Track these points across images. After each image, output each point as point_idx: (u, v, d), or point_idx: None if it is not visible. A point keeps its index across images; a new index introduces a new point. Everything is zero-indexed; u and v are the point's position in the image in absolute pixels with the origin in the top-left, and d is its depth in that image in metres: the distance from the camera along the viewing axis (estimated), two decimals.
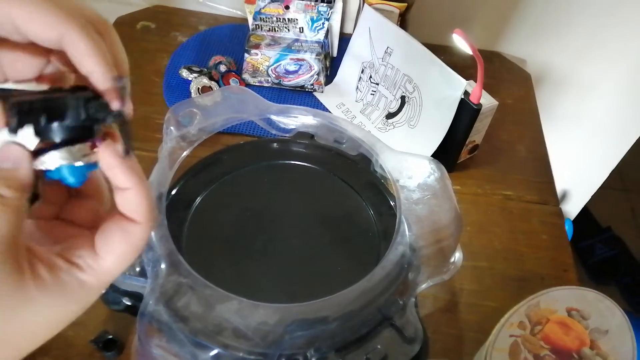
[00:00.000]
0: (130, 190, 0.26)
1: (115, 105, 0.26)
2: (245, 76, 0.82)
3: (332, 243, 0.54)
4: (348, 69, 0.82)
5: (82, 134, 0.25)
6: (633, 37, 0.89)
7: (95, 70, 0.25)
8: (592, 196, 1.15)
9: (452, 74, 0.66)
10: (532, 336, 0.47)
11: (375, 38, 0.76)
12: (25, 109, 0.24)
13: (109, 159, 0.26)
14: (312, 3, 0.80)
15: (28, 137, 0.24)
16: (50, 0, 0.24)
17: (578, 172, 1.11)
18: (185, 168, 0.58)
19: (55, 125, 0.24)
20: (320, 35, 0.81)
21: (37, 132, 0.24)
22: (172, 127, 0.55)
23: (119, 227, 0.26)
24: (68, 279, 0.25)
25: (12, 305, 0.23)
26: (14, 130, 0.24)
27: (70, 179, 0.26)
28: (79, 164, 0.26)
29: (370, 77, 0.78)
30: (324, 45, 0.82)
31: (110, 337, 0.53)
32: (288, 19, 0.81)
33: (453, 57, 0.70)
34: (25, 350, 0.25)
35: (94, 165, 0.26)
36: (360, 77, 0.80)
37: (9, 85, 0.27)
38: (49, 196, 0.29)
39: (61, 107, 0.25)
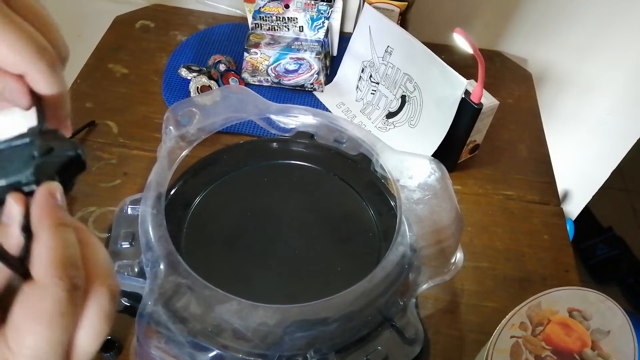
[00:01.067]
0: (37, 240, 0.21)
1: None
2: (245, 75, 0.81)
3: (332, 243, 0.53)
4: (348, 68, 0.82)
5: None
6: (635, 36, 0.89)
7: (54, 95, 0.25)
8: (593, 196, 1.15)
9: (453, 74, 0.66)
10: (533, 337, 0.46)
11: (376, 37, 0.76)
12: None
13: (41, 199, 0.23)
14: (312, 2, 0.80)
15: None
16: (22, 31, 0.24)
17: (579, 172, 1.10)
18: (185, 168, 0.58)
19: None
20: (320, 34, 0.81)
21: None
22: (171, 127, 0.55)
23: (19, 298, 0.21)
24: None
25: None
26: None
27: None
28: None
29: (371, 76, 0.78)
30: (324, 44, 0.81)
31: (109, 338, 0.52)
32: (288, 17, 0.80)
33: (454, 57, 0.69)
34: None
35: None
36: (360, 77, 0.80)
37: None
38: None
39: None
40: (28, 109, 0.26)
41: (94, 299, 0.22)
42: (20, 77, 0.26)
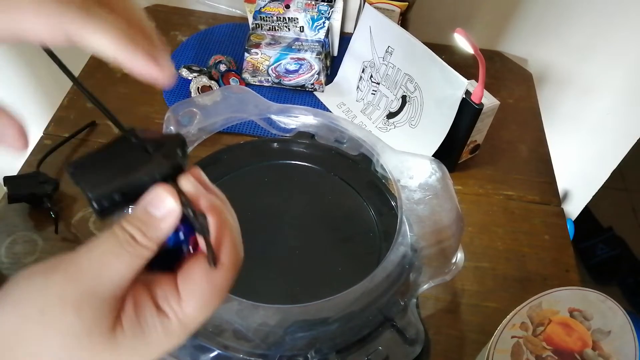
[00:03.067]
0: (224, 236, 0.25)
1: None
2: (245, 75, 0.81)
3: (332, 243, 0.53)
4: (349, 69, 0.82)
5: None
6: (634, 36, 0.89)
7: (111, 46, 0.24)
8: (593, 196, 1.15)
9: (454, 74, 0.66)
10: (534, 337, 0.46)
11: (376, 37, 0.76)
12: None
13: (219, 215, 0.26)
14: (313, 2, 0.80)
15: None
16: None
17: (579, 172, 1.10)
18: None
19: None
20: (321, 35, 0.81)
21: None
22: (172, 127, 0.55)
23: (201, 268, 0.25)
24: (152, 326, 0.23)
25: (101, 352, 0.22)
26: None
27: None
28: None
29: (371, 76, 0.78)
30: (325, 45, 0.81)
31: None
32: (288, 18, 0.80)
33: (454, 57, 0.69)
34: None
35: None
36: (361, 77, 0.80)
37: None
38: None
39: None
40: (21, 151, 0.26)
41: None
42: (14, 122, 0.26)
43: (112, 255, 0.23)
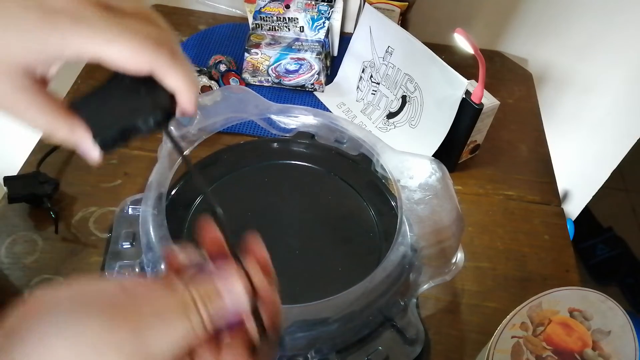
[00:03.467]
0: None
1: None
2: (245, 75, 0.81)
3: (332, 243, 0.53)
4: (349, 69, 0.82)
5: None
6: (634, 36, 0.89)
7: (182, 92, 0.27)
8: (593, 196, 1.15)
9: (454, 74, 0.66)
10: (534, 337, 0.46)
11: (376, 37, 0.76)
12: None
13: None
14: (313, 2, 0.80)
15: None
16: (137, 33, 0.25)
17: (579, 172, 1.10)
18: (185, 168, 0.58)
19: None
20: (321, 35, 0.81)
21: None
22: (172, 127, 0.55)
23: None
24: None
25: None
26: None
27: None
28: None
29: (371, 76, 0.78)
30: (325, 45, 0.81)
31: None
32: (288, 18, 0.80)
33: (454, 57, 0.69)
34: None
35: None
36: (361, 77, 0.80)
37: None
38: None
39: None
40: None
41: None
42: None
43: (185, 331, 0.24)
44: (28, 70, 0.25)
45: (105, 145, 0.26)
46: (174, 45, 0.27)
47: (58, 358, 0.21)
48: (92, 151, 0.26)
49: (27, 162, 0.70)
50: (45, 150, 0.70)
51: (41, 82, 0.26)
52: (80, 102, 0.27)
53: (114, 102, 0.27)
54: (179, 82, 0.27)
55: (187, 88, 0.27)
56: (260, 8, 0.81)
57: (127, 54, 0.25)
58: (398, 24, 0.80)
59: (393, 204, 0.56)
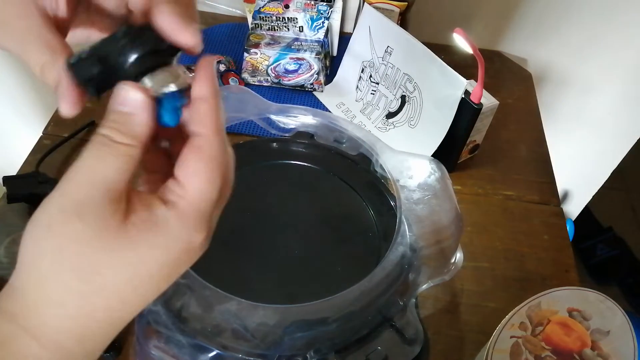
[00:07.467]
0: (203, 101, 0.25)
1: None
2: (245, 75, 0.81)
3: (332, 243, 0.53)
4: (348, 68, 0.82)
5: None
6: (634, 36, 0.89)
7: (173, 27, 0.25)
8: (593, 196, 1.15)
9: (453, 74, 0.66)
10: (533, 337, 0.46)
11: (376, 37, 0.76)
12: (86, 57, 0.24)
13: (207, 68, 0.25)
14: (312, 2, 0.80)
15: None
16: None
17: (579, 172, 1.10)
18: None
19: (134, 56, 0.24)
20: (320, 35, 0.81)
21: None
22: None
23: (190, 146, 0.25)
24: (163, 217, 0.24)
25: (117, 249, 0.23)
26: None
27: (167, 117, 0.26)
28: (175, 87, 0.25)
29: (371, 76, 0.78)
30: (324, 45, 0.81)
31: None
32: (287, 18, 0.80)
33: (454, 57, 0.69)
34: (136, 306, 0.24)
35: (184, 99, 0.26)
36: (360, 77, 0.80)
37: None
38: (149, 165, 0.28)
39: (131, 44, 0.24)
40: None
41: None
42: None
43: (96, 161, 0.23)
44: None
45: (80, 76, 0.24)
46: None
47: (25, 254, 0.23)
48: (67, 89, 0.25)
49: (26, 162, 0.70)
50: (45, 150, 0.70)
51: (47, 16, 0.26)
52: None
53: (103, 43, 0.25)
54: (165, 16, 0.24)
55: (176, 20, 0.24)
56: (260, 8, 0.81)
57: None
58: (397, 23, 0.80)
59: (392, 203, 0.56)
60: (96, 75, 0.25)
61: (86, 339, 0.24)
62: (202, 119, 0.25)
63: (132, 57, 0.24)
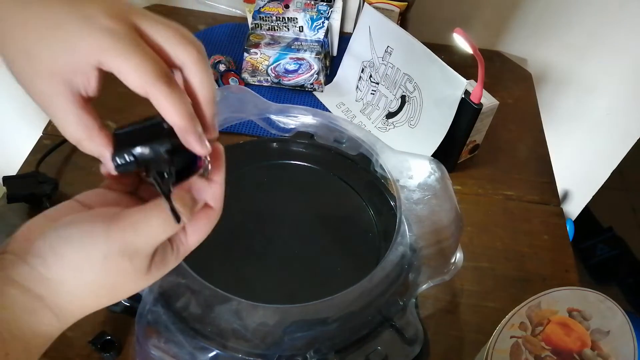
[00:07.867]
0: (219, 185, 0.31)
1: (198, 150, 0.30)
2: (245, 75, 0.81)
3: (331, 243, 0.53)
4: (348, 68, 0.82)
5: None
6: (634, 36, 0.89)
7: (175, 124, 0.30)
8: (593, 196, 1.15)
9: (453, 74, 0.66)
10: (533, 337, 0.46)
11: (376, 37, 0.76)
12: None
13: (221, 166, 0.32)
14: (312, 2, 0.80)
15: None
16: (135, 46, 0.29)
17: (579, 172, 1.10)
18: None
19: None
20: (320, 35, 0.81)
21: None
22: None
23: (205, 214, 0.31)
24: (170, 258, 0.31)
25: (140, 281, 0.30)
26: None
27: None
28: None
29: (371, 76, 0.78)
30: (324, 45, 0.81)
31: (109, 338, 0.52)
32: (287, 18, 0.80)
33: (454, 57, 0.69)
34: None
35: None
36: (360, 77, 0.80)
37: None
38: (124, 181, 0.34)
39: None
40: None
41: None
42: None
43: (160, 229, 0.29)
44: (65, 78, 0.28)
45: (119, 165, 0.30)
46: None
47: (70, 261, 0.28)
48: (109, 165, 0.30)
49: (27, 162, 0.70)
50: (45, 150, 0.70)
51: (81, 95, 0.29)
52: (120, 129, 0.31)
53: (143, 132, 0.31)
54: (168, 112, 0.30)
55: (178, 119, 0.29)
56: (260, 8, 0.81)
57: (127, 71, 0.29)
58: (397, 23, 0.80)
59: (392, 203, 0.56)
60: (131, 170, 0.30)
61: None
62: (217, 198, 0.32)
63: (170, 174, 0.30)
